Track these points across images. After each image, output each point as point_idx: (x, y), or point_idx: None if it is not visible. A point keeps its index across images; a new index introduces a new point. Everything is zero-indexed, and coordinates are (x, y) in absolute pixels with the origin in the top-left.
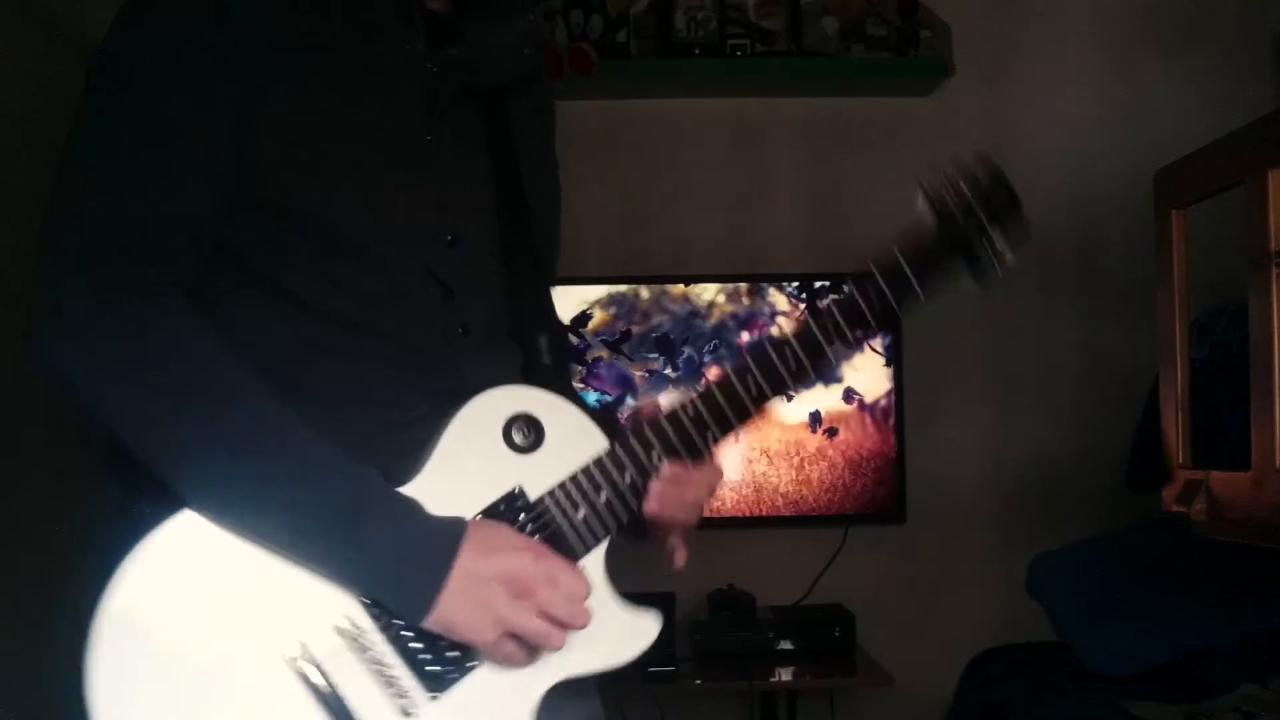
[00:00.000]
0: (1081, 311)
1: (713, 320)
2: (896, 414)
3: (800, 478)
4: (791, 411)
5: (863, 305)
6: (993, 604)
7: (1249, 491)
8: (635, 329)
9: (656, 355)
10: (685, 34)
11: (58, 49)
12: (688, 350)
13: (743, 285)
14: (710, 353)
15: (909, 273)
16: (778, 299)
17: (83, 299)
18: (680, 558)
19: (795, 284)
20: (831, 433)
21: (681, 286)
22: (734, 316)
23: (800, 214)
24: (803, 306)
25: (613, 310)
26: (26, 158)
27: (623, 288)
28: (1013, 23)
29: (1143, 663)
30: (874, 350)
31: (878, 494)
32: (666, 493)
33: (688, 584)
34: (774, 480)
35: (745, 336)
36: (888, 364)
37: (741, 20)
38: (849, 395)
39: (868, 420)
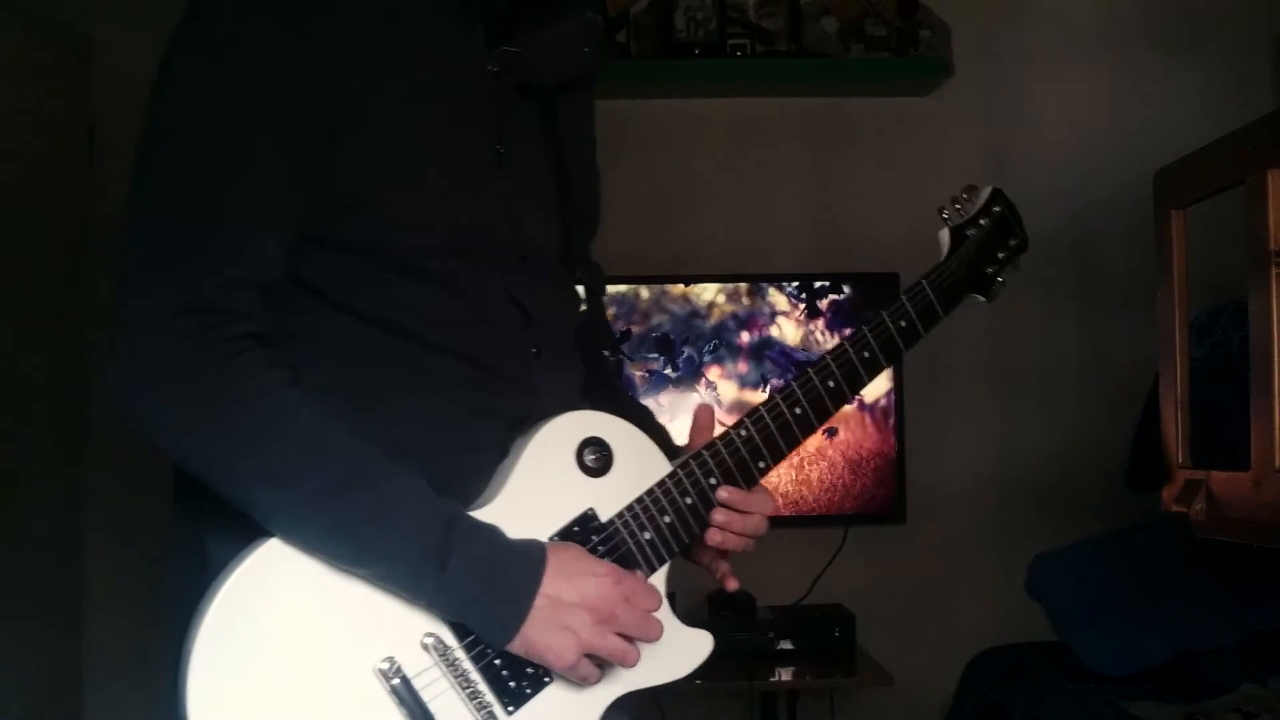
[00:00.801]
0: (1081, 311)
1: (713, 320)
2: (896, 414)
3: (800, 478)
4: None
5: (894, 333)
6: (993, 604)
7: (1249, 491)
8: (635, 329)
9: (656, 355)
10: (685, 34)
11: (57, 49)
12: (688, 350)
13: (743, 285)
14: (710, 353)
15: (938, 308)
16: (778, 299)
17: (163, 365)
18: (732, 584)
19: (795, 284)
20: (831, 433)
21: (681, 286)
22: (734, 316)
23: (800, 214)
24: (802, 307)
25: (613, 310)
26: (27, 156)
27: (623, 288)
28: (1013, 23)
29: (1143, 663)
30: None
31: (878, 494)
32: (730, 521)
33: (688, 584)
34: (774, 480)
35: (745, 337)
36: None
37: (741, 20)
38: None
39: (868, 420)
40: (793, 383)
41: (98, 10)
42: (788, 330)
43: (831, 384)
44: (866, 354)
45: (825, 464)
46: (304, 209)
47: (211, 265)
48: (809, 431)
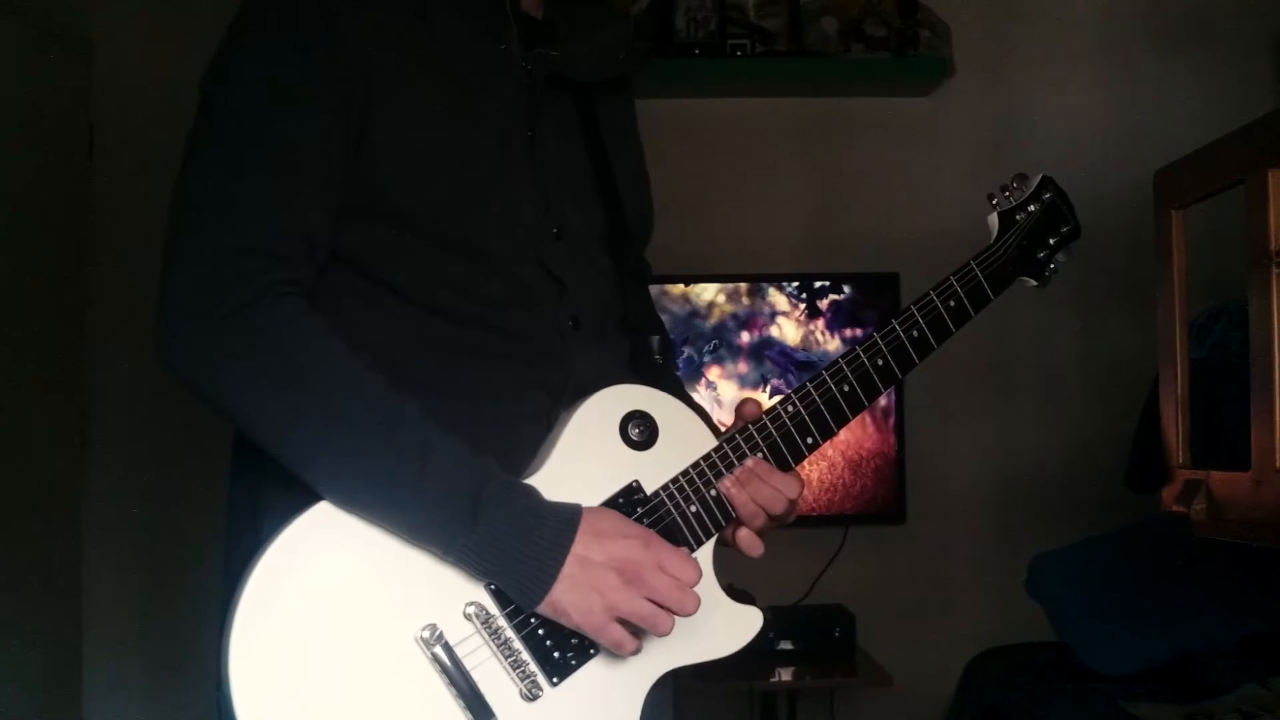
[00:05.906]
0: (1081, 311)
1: (713, 320)
2: (896, 414)
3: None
4: None
5: (943, 313)
6: (993, 604)
7: (1249, 491)
8: None
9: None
10: (685, 34)
11: (57, 49)
12: (688, 350)
13: (743, 285)
14: (710, 353)
15: (987, 289)
16: (777, 299)
17: (207, 303)
18: (755, 547)
19: (795, 284)
20: None
21: (681, 286)
22: (734, 316)
23: (800, 214)
24: (802, 307)
25: None
26: (26, 156)
27: None
28: (1013, 23)
29: (1143, 663)
30: None
31: (878, 494)
32: (742, 477)
33: None
34: None
35: (745, 337)
36: None
37: (741, 20)
38: None
39: (868, 420)
40: (841, 360)
41: (97, 10)
42: (788, 330)
43: (880, 362)
44: (915, 333)
45: (825, 464)
46: (347, 183)
47: (267, 211)
48: (858, 409)
